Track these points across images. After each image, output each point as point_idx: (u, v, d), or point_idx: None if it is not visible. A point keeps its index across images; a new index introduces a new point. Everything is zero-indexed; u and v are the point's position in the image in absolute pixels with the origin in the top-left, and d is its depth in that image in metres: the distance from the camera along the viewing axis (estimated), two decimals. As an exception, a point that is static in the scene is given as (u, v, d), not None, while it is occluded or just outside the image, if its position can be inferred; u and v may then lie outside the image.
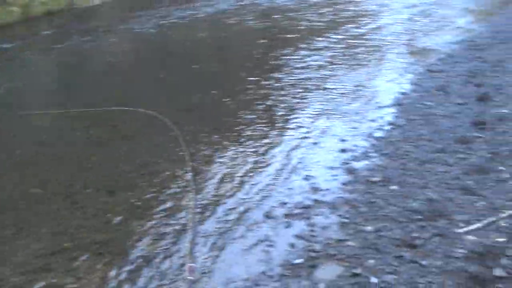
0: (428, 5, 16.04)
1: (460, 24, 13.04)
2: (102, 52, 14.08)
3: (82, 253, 4.66)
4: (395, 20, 14.20)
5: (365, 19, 14.71)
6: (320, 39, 12.36)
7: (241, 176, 5.79)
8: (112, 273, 4.33)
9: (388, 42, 11.70)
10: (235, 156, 6.36)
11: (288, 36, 13.30)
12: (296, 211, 4.92)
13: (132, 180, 5.98)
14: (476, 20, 13.49)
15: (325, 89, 8.65)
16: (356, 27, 13.56)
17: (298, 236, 4.49)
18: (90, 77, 11.33)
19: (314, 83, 9.07)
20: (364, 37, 12.39)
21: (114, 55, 13.43)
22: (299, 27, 14.24)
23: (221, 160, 6.29)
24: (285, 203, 5.09)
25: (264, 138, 6.85)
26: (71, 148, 7.16)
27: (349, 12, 15.86)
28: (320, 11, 16.15)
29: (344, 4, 17.15)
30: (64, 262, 4.58)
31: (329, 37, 12.42)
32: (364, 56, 10.67)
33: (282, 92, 8.66)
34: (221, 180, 5.76)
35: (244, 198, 5.28)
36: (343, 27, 13.60)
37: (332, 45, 11.68)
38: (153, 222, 5.04)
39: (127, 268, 4.38)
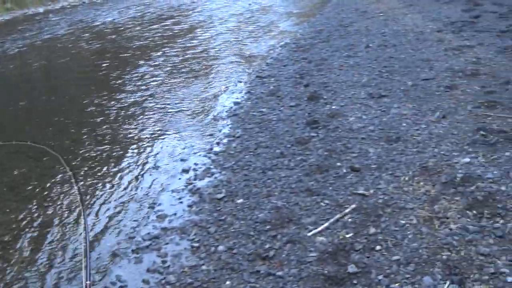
0: (252, 12, 16.43)
1: (284, 28, 13.51)
2: None
3: None
4: (223, 29, 14.34)
5: (197, 30, 14.72)
6: (158, 54, 12.15)
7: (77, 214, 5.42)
8: None
9: (219, 51, 11.79)
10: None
11: (127, 54, 12.92)
12: (145, 243, 4.68)
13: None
14: (298, 23, 14.04)
15: (162, 107, 8.45)
16: (189, 39, 13.51)
17: (151, 270, 4.28)
18: None
19: (152, 101, 8.85)
20: (197, 48, 12.36)
21: None
22: (135, 45, 13.90)
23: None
24: (132, 237, 4.83)
25: (103, 167, 6.51)
26: None
27: (181, 26, 15.78)
28: (152, 27, 15.91)
29: (174, 19, 17.06)
30: None
31: (166, 52, 12.25)
32: (198, 68, 10.61)
33: (121, 114, 8.35)
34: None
35: (91, 235, 4.94)
36: (177, 41, 13.49)
37: (168, 59, 11.53)
38: None
39: None
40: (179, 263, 4.29)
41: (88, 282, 3.96)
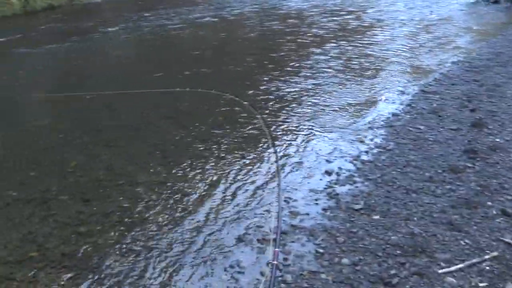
0: (430, 21, 15.85)
1: (460, 43, 12.82)
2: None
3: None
4: (399, 34, 14.02)
5: (373, 30, 14.57)
6: (332, 45, 12.33)
7: (217, 195, 5.59)
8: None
9: (389, 56, 11.50)
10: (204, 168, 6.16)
11: (304, 40, 13.20)
12: (272, 236, 4.69)
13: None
14: (476, 40, 13.27)
15: (321, 101, 8.47)
16: (363, 37, 13.43)
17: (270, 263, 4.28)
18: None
19: (314, 92, 8.95)
20: (369, 48, 12.25)
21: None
22: (314, 33, 14.17)
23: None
24: (260, 227, 4.87)
25: (246, 152, 6.65)
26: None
27: (359, 22, 15.75)
28: (333, 18, 15.98)
29: (354, 14, 17.05)
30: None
31: (340, 45, 12.32)
32: (365, 68, 10.49)
33: (284, 98, 8.58)
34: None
35: (215, 221, 5.07)
36: (353, 36, 13.51)
37: (339, 54, 11.62)
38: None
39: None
40: (300, 265, 4.26)
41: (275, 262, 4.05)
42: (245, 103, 8.24)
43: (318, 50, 12.09)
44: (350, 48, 12.28)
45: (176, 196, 5.59)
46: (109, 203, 5.49)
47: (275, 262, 3.98)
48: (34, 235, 5.01)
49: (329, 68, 10.64)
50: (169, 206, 5.39)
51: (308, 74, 10.22)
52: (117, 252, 4.63)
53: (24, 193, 5.89)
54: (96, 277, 4.31)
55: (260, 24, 16.21)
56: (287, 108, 8.25)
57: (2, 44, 15.53)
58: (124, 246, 4.73)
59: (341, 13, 17.29)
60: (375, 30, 14.52)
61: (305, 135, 7.12)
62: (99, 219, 5.19)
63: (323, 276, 4.10)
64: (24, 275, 4.42)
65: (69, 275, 4.35)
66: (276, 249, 4.11)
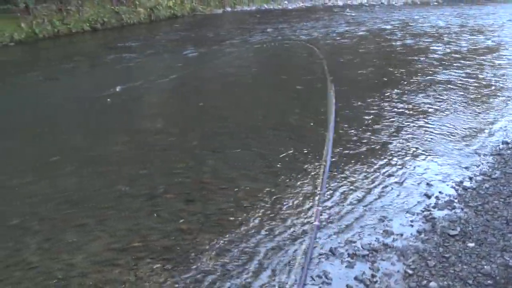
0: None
1: None
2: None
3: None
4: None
5: (500, 53, 14.15)
6: (455, 65, 12.21)
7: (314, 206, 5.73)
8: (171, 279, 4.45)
9: (503, 82, 11.12)
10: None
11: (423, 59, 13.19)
12: (363, 252, 4.77)
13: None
14: None
15: (431, 122, 8.45)
16: (488, 59, 13.11)
17: (358, 279, 4.37)
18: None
19: (425, 112, 9.01)
20: (492, 71, 11.90)
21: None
22: (433, 51, 14.08)
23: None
24: (353, 241, 4.95)
25: (350, 166, 6.75)
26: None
27: (487, 43, 15.35)
28: (461, 37, 15.70)
29: (482, 34, 16.64)
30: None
31: (462, 66, 12.15)
32: (476, 95, 10.21)
33: (391, 114, 8.61)
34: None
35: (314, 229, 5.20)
36: (478, 57, 13.21)
37: (460, 75, 11.48)
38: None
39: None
40: (387, 283, 4.31)
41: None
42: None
43: (438, 69, 11.94)
44: (471, 70, 12.01)
45: (275, 204, 5.77)
46: (211, 205, 5.78)
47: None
48: (139, 227, 5.38)
49: (441, 89, 10.49)
50: (267, 213, 5.57)
51: (419, 94, 10.10)
52: (213, 251, 4.87)
53: (134, 188, 6.30)
54: (192, 272, 4.57)
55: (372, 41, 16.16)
56: (396, 128, 8.21)
57: (130, 48, 16.50)
58: (221, 246, 4.96)
59: (467, 31, 16.88)
60: (501, 53, 14.08)
61: (409, 155, 7.09)
62: (199, 218, 5.48)
63: (409, 297, 4.13)
64: (126, 262, 4.77)
65: (167, 266, 4.64)
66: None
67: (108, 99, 10.08)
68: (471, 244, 4.86)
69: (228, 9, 25.96)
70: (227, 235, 5.15)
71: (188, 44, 16.72)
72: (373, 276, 4.41)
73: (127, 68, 13.98)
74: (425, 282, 4.31)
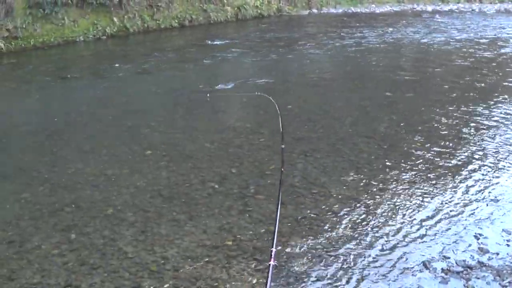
0: None
1: None
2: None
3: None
4: None
5: None
6: None
7: (404, 215, 5.67)
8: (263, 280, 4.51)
9: None
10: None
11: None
12: (457, 268, 4.68)
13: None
14: None
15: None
16: None
17: (452, 296, 4.30)
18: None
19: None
20: None
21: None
22: None
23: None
24: (447, 257, 4.87)
25: (446, 178, 6.64)
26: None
27: None
28: None
29: None
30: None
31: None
32: None
33: (481, 127, 8.38)
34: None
35: (408, 241, 5.16)
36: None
37: None
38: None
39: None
40: (482, 302, 4.22)
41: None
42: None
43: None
44: None
45: (365, 213, 5.75)
46: (302, 209, 5.82)
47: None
48: (231, 225, 5.48)
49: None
50: (357, 221, 5.56)
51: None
52: (305, 254, 4.91)
53: (225, 187, 6.42)
54: (282, 274, 4.63)
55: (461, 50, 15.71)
56: (491, 141, 7.99)
57: (218, 46, 16.79)
58: (312, 250, 4.99)
59: None
60: None
61: (507, 172, 6.87)
62: (291, 221, 5.53)
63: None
64: (218, 260, 4.87)
65: (259, 267, 4.71)
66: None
67: (208, 97, 10.27)
68: None
69: (315, 10, 25.91)
70: (317, 240, 5.17)
71: (275, 45, 16.82)
72: (468, 294, 4.33)
73: (216, 66, 14.23)
74: (521, 304, 4.19)
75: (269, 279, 3.14)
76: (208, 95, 10.18)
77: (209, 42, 17.90)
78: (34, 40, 16.87)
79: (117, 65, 14.09)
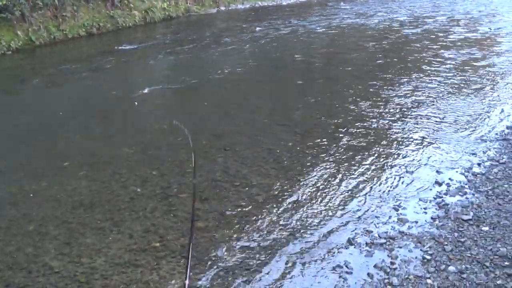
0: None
1: None
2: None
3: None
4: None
5: (490, 42, 14.18)
6: (447, 56, 12.12)
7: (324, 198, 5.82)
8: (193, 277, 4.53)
9: (507, 68, 11.16)
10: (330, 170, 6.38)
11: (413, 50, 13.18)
12: (380, 240, 4.86)
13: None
14: None
15: (433, 113, 8.47)
16: (479, 50, 13.13)
17: (377, 267, 4.46)
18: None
19: (425, 104, 9.01)
20: (484, 60, 11.93)
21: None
22: (425, 44, 14.04)
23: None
24: (369, 231, 5.04)
25: (362, 156, 6.84)
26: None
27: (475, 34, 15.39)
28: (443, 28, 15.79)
29: (466, 26, 16.65)
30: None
31: (455, 57, 12.17)
32: (479, 80, 10.28)
33: (390, 110, 8.60)
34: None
35: (332, 221, 5.30)
36: (467, 49, 13.22)
37: (454, 65, 11.47)
38: (237, 233, 5.16)
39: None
40: (406, 269, 4.40)
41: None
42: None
43: (437, 59, 12.03)
44: (463, 60, 12.07)
45: (287, 198, 5.86)
46: (225, 202, 5.85)
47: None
48: (156, 227, 5.45)
49: (444, 77, 10.57)
50: (281, 207, 5.66)
51: (422, 83, 10.19)
52: (232, 247, 4.96)
53: (146, 189, 6.37)
54: (213, 268, 4.66)
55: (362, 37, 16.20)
56: (400, 117, 8.29)
57: (127, 52, 16.56)
58: (239, 242, 5.05)
59: (451, 24, 16.92)
60: (491, 42, 14.13)
61: (417, 145, 7.16)
62: (216, 216, 5.56)
63: (428, 281, 4.22)
64: (147, 262, 4.85)
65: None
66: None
67: (136, 102, 10.18)
68: (485, 228, 4.96)
69: (222, 8, 25.90)
70: (245, 231, 5.23)
71: (185, 44, 16.74)
72: (392, 263, 4.50)
73: (127, 71, 14.04)
74: (443, 266, 4.40)
75: None
76: (136, 103, 10.11)
77: (119, 47, 17.61)
78: None
79: (25, 79, 13.66)
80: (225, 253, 4.88)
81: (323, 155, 6.96)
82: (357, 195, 5.83)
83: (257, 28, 18.49)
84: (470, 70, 11.17)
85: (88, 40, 20.12)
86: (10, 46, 18.01)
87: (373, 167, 6.54)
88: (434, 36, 15.34)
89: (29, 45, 18.60)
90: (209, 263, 4.75)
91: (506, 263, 4.38)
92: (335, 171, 6.47)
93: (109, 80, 13.04)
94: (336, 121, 8.21)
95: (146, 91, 11.13)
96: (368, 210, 5.47)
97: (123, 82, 12.78)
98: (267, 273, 4.55)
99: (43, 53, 18.24)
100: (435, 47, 13.79)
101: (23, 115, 10.36)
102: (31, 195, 6.49)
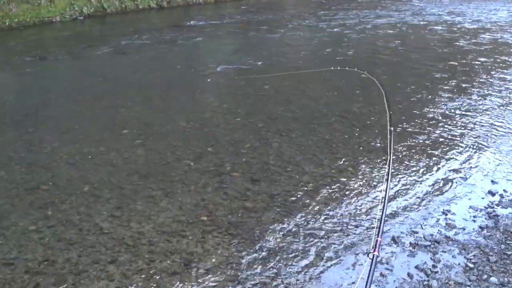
0: None
1: None
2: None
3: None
4: None
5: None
6: None
7: (375, 193, 5.83)
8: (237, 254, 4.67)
9: None
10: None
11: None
12: (425, 242, 4.85)
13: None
14: None
15: (491, 121, 8.27)
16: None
17: (418, 268, 4.45)
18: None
19: (483, 111, 8.81)
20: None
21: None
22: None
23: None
24: (415, 232, 5.03)
25: (417, 157, 6.82)
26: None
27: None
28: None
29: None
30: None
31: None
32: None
33: (457, 111, 8.47)
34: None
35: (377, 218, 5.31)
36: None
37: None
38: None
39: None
40: (447, 274, 4.38)
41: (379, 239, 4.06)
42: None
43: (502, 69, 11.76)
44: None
45: (336, 190, 5.90)
46: (276, 186, 5.94)
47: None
48: (206, 202, 5.59)
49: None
50: (329, 197, 5.71)
51: (484, 89, 10.00)
52: (277, 230, 5.04)
53: (201, 165, 6.51)
54: (256, 248, 4.75)
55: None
56: (463, 122, 8.18)
57: (198, 28, 16.77)
58: (284, 226, 5.12)
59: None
60: None
61: (475, 152, 7.04)
62: (264, 198, 5.65)
63: (468, 288, 4.20)
64: (193, 234, 4.98)
65: (233, 241, 4.84)
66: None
67: (208, 79, 10.38)
68: (534, 243, 4.88)
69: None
70: (291, 216, 5.30)
71: (254, 26, 16.84)
72: (434, 266, 4.49)
73: (193, 47, 14.23)
74: (485, 276, 4.35)
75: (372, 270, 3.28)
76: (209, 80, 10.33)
77: (188, 23, 17.87)
78: (9, 20, 16.71)
79: (94, 46, 14.04)
80: (269, 235, 4.96)
81: (377, 151, 6.94)
82: (407, 195, 5.81)
83: (327, 17, 18.35)
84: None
85: (158, 13, 20.51)
86: (82, 11, 18.55)
87: (427, 169, 6.49)
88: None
89: (100, 12, 19.11)
90: (253, 242, 4.84)
91: (550, 281, 4.32)
92: (387, 168, 6.43)
93: (176, 54, 13.29)
94: (395, 118, 8.14)
95: (211, 69, 11.30)
96: (417, 211, 5.44)
97: (189, 57, 12.98)
98: (307, 260, 4.60)
99: (113, 21, 18.70)
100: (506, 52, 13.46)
101: (89, 80, 10.71)
102: (89, 157, 6.73)
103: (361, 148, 7.07)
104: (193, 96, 9.65)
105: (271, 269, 4.47)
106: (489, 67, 11.95)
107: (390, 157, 5.74)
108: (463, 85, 10.36)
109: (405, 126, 7.91)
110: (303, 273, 4.43)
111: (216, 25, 17.35)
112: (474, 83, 10.54)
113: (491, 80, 10.82)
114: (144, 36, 15.42)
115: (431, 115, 8.45)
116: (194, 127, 7.81)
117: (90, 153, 6.85)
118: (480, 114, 8.63)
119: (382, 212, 4.39)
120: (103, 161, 6.63)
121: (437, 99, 9.37)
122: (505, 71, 11.63)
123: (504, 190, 5.97)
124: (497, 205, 5.64)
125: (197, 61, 12.54)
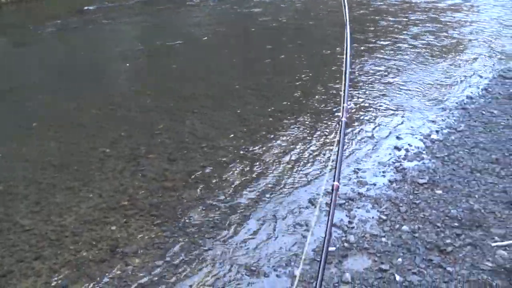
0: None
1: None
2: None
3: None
4: (480, 18, 13.77)
5: (456, 14, 14.39)
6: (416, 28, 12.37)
7: (289, 159, 6.04)
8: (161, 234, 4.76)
9: (469, 40, 11.42)
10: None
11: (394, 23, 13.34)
12: (340, 201, 5.10)
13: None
14: None
15: (396, 81, 8.70)
16: (447, 20, 13.37)
17: (336, 226, 4.70)
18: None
19: (388, 73, 9.23)
20: (449, 32, 12.16)
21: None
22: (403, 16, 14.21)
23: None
24: (330, 193, 5.26)
25: (326, 119, 7.11)
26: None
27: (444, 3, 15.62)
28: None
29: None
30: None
31: (423, 29, 12.37)
32: (442, 52, 10.50)
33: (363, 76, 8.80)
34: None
35: (295, 183, 5.54)
36: (438, 19, 13.44)
37: (422, 36, 11.65)
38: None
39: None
40: (363, 228, 4.67)
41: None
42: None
43: (403, 30, 12.24)
44: (433, 28, 12.33)
45: (252, 161, 6.07)
46: (192, 163, 6.04)
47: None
48: (125, 187, 5.62)
49: (410, 47, 10.79)
50: (247, 169, 5.87)
51: (388, 52, 10.42)
52: (198, 206, 5.17)
53: (116, 150, 6.51)
54: (180, 225, 4.87)
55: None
56: (365, 84, 8.53)
57: (95, 11, 16.39)
58: (205, 201, 5.26)
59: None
60: (458, 14, 14.34)
61: (379, 111, 7.40)
62: (183, 176, 5.75)
63: (383, 239, 4.49)
64: (116, 220, 5.03)
65: (156, 222, 4.93)
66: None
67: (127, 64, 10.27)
68: (439, 191, 5.24)
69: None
70: (210, 191, 5.44)
71: (156, 5, 16.62)
72: (350, 222, 4.76)
73: (97, 32, 13.95)
74: (397, 226, 4.67)
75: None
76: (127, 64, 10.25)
77: (90, 7, 17.41)
78: None
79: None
80: (192, 211, 5.08)
81: (288, 119, 7.15)
82: (319, 157, 6.08)
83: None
84: (439, 39, 11.40)
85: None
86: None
87: (337, 131, 6.75)
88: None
89: (-5, 2, 18.24)
90: (176, 220, 4.95)
91: (455, 224, 4.67)
92: (300, 134, 6.69)
93: (80, 40, 12.98)
94: (300, 84, 8.40)
95: (117, 52, 11.16)
96: (329, 172, 5.68)
97: (93, 43, 12.72)
98: (233, 231, 4.76)
99: (6, 11, 17.94)
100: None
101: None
102: (0, 155, 6.57)
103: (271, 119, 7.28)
104: (101, 82, 9.53)
105: (196, 243, 4.60)
106: (391, 29, 12.43)
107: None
108: (363, 48, 10.75)
109: (311, 89, 8.18)
110: (226, 244, 4.59)
111: (119, 7, 16.97)
112: (382, 44, 10.95)
113: (393, 40, 11.28)
114: (45, 24, 14.93)
115: (338, 79, 8.73)
116: (106, 113, 7.74)
117: (0, 152, 6.68)
118: (387, 75, 9.03)
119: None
120: (16, 157, 6.49)
121: (338, 62, 9.66)
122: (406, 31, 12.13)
123: (409, 145, 6.35)
124: (404, 159, 6.01)
125: (102, 45, 12.33)
